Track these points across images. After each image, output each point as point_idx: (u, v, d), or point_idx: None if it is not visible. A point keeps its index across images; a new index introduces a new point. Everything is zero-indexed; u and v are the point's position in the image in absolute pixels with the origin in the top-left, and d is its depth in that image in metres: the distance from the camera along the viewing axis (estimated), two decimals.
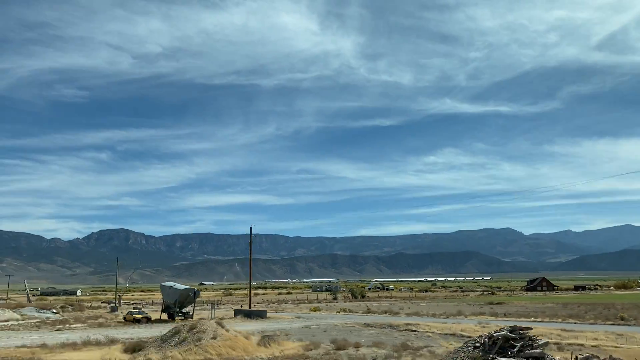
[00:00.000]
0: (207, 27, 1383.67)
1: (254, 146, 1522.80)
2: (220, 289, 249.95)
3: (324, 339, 32.93)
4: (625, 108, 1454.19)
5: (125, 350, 28.19)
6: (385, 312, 57.84)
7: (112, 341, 33.68)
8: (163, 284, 58.81)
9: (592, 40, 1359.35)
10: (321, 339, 33.08)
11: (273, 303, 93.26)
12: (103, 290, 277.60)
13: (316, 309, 65.17)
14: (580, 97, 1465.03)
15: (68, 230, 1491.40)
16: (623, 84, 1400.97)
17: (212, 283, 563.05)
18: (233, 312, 56.42)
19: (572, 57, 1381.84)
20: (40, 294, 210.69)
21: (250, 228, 57.83)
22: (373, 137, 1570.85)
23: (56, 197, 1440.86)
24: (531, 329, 20.75)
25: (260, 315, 50.67)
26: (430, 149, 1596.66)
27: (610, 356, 21.66)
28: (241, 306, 72.26)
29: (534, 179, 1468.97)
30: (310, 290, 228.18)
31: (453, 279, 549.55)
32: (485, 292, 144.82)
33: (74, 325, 49.73)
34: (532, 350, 19.00)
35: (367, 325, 41.84)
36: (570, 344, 28.67)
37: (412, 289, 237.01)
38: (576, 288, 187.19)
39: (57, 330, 46.29)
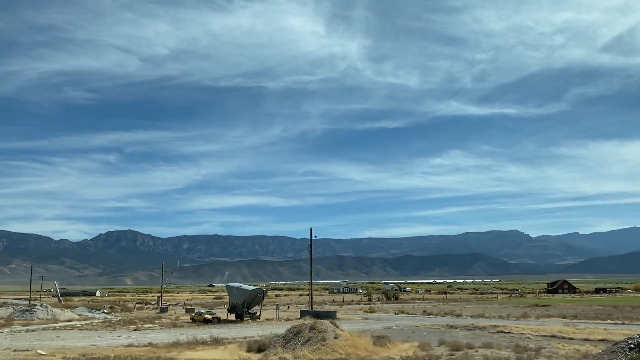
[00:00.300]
0: (214, 30, 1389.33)
1: (260, 148, 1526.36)
2: None
3: (428, 340, 33.44)
4: (633, 110, 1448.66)
5: (249, 350, 28.83)
6: (447, 314, 58.30)
7: (216, 341, 34.32)
8: (229, 284, 59.59)
9: (598, 42, 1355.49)
10: (423, 340, 33.59)
11: (303, 305, 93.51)
12: (120, 291, 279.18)
13: (371, 310, 65.63)
14: (587, 99, 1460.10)
15: (76, 232, 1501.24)
16: (630, 86, 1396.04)
17: (221, 284, 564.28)
18: (299, 312, 56.83)
19: (578, 59, 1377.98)
20: (60, 295, 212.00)
21: (311, 230, 58.58)
22: (379, 139, 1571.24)
23: (64, 199, 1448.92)
24: None
25: (330, 316, 50.98)
26: (437, 151, 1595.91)
27: None
28: (287, 307, 72.87)
29: (540, 181, 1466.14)
30: (327, 292, 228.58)
31: (462, 280, 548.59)
32: (512, 295, 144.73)
33: (146, 326, 50.33)
34: None
35: (450, 327, 42.30)
36: None
37: (429, 290, 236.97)
38: (597, 291, 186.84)
39: (134, 330, 46.95)
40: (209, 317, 51.73)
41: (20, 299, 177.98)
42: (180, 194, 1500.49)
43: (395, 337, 35.77)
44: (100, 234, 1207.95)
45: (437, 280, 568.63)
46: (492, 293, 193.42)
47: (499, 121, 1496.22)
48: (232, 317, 54.25)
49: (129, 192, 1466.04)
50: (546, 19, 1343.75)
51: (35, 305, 63.80)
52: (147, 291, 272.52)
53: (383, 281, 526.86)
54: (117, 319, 61.67)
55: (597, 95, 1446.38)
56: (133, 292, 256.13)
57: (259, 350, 28.31)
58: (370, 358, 26.92)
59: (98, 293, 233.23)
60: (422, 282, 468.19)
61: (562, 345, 29.60)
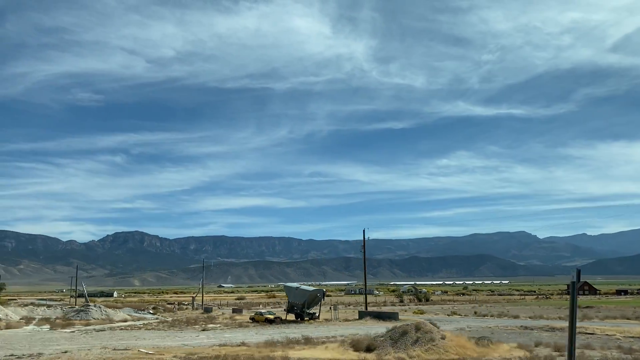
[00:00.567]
0: (220, 31, 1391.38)
1: (266, 149, 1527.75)
2: (263, 292, 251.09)
3: (520, 341, 33.45)
4: None
5: (356, 349, 28.96)
6: (500, 315, 58.26)
7: (308, 340, 34.43)
8: (287, 285, 59.83)
9: (607, 42, 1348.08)
10: (516, 341, 33.60)
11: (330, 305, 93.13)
12: (135, 292, 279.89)
13: (421, 312, 65.60)
14: (595, 100, 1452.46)
15: (83, 233, 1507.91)
16: (639, 86, 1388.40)
17: (231, 285, 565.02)
18: (357, 313, 56.86)
19: (586, 59, 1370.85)
20: (78, 296, 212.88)
21: (364, 231, 58.61)
22: (385, 140, 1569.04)
23: (72, 200, 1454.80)
24: None
25: (392, 317, 51.10)
26: (443, 152, 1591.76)
27: None
28: (330, 308, 72.52)
29: (548, 182, 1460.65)
30: (343, 293, 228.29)
31: (471, 282, 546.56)
32: (538, 296, 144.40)
33: (210, 326, 50.50)
34: None
35: (525, 327, 42.29)
36: None
37: (446, 292, 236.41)
38: (618, 292, 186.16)
39: (203, 330, 47.09)
40: (271, 317, 51.90)
41: (43, 299, 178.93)
42: (186, 195, 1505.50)
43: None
44: (108, 235, 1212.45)
45: (447, 282, 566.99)
46: (510, 294, 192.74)
47: (506, 122, 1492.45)
48: (290, 317, 54.41)
49: (136, 193, 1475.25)
50: (553, 19, 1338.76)
51: (89, 305, 64.18)
52: (163, 292, 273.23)
53: (392, 282, 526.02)
54: (171, 319, 61.68)
55: (605, 95, 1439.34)
56: (149, 293, 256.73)
57: (368, 349, 28.43)
58: (483, 359, 27.00)
59: (115, 294, 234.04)
60: (432, 284, 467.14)
61: None
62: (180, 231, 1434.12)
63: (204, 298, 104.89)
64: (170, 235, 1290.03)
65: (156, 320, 60.58)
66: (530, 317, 54.35)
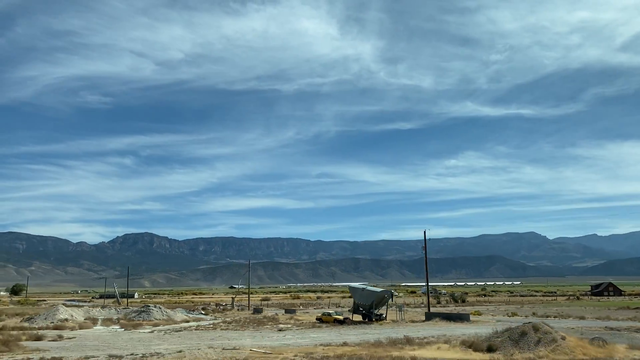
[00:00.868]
0: (228, 33, 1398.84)
1: (274, 150, 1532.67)
2: (286, 292, 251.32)
3: (624, 343, 33.41)
4: None
5: (475, 349, 29.03)
6: (565, 316, 58.01)
7: (409, 341, 34.51)
8: (352, 285, 59.97)
9: (616, 41, 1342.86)
10: (622, 342, 33.56)
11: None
12: (155, 293, 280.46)
13: (477, 313, 65.45)
14: (605, 99, 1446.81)
15: (92, 234, 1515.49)
16: None
17: (242, 286, 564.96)
18: (424, 314, 56.80)
19: (595, 59, 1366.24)
20: (99, 297, 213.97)
21: (424, 232, 58.68)
22: (393, 141, 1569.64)
23: (81, 202, 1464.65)
24: None
25: (463, 318, 50.99)
26: (452, 152, 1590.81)
27: None
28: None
29: (557, 183, 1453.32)
30: None
31: (483, 283, 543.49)
32: (570, 297, 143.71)
33: (282, 326, 50.61)
34: None
35: (611, 329, 42.19)
36: None
37: (466, 293, 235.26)
38: None
39: (279, 330, 47.21)
40: (341, 317, 52.01)
41: (72, 300, 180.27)
42: (195, 197, 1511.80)
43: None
44: (118, 236, 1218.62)
45: (458, 283, 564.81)
46: (531, 295, 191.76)
47: (515, 122, 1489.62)
48: (357, 317, 54.51)
49: (145, 195, 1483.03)
50: (562, 18, 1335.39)
51: (149, 306, 64.59)
52: (181, 293, 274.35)
53: (403, 284, 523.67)
54: (230, 320, 61.58)
55: (615, 95, 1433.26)
56: (168, 294, 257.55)
57: (490, 349, 28.52)
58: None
59: (136, 295, 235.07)
60: (444, 285, 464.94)
61: None
62: (189, 232, 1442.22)
63: (237, 299, 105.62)
64: (179, 237, 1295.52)
65: (217, 321, 60.81)
66: (597, 318, 54.17)
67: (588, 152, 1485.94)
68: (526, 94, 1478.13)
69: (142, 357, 29.05)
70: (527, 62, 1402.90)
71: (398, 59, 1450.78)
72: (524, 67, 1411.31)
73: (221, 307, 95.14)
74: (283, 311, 76.62)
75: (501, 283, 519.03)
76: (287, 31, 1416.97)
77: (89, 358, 28.61)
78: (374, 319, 52.39)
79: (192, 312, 73.06)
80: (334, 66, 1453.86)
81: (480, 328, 45.81)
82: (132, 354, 30.04)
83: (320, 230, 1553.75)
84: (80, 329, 50.95)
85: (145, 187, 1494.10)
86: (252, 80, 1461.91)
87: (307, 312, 74.27)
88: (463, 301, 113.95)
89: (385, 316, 54.33)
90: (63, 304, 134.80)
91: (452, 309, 77.92)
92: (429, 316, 53.84)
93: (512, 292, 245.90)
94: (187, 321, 60.01)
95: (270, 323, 53.90)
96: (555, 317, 57.27)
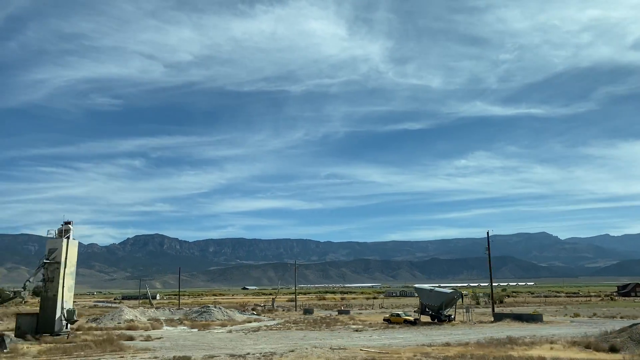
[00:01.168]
0: (237, 35, 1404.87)
1: (283, 151, 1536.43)
2: (312, 293, 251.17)
3: None
4: None
5: (596, 349, 28.93)
6: (629, 317, 57.56)
7: (512, 341, 34.39)
8: (419, 286, 60.04)
9: (627, 40, 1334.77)
10: None
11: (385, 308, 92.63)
12: (175, 294, 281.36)
13: (536, 312, 64.98)
14: (616, 98, 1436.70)
15: (103, 236, 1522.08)
16: None
17: (255, 287, 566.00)
18: (493, 315, 56.57)
19: (606, 57, 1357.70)
20: (122, 299, 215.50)
21: (487, 232, 58.54)
22: (402, 141, 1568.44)
23: (92, 204, 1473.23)
24: None
25: (535, 318, 50.78)
26: (461, 152, 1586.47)
27: None
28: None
29: (568, 182, 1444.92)
30: (383, 296, 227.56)
31: (497, 284, 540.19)
32: (604, 297, 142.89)
33: (354, 327, 50.64)
34: None
35: None
36: None
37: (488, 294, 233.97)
38: None
39: (355, 331, 47.23)
40: (411, 318, 52.06)
41: (102, 301, 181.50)
42: (205, 198, 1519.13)
43: None
44: (128, 238, 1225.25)
45: (471, 284, 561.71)
46: (555, 296, 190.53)
47: (525, 121, 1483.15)
48: (425, 318, 54.48)
49: (155, 197, 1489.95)
50: (572, 17, 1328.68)
51: (209, 306, 64.95)
52: (202, 294, 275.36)
53: (416, 285, 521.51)
54: (294, 320, 61.41)
55: (627, 93, 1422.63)
56: (189, 295, 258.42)
57: (612, 349, 28.38)
58: None
59: (158, 296, 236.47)
60: (459, 286, 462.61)
61: None
62: (199, 234, 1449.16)
63: (270, 299, 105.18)
64: (189, 238, 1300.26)
65: (279, 321, 60.99)
66: None
67: (599, 152, 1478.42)
68: (536, 93, 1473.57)
69: (262, 356, 29.16)
70: (537, 61, 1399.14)
71: (407, 59, 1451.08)
72: (534, 66, 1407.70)
73: (263, 308, 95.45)
74: (336, 312, 76.42)
75: (514, 284, 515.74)
76: (295, 32, 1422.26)
77: (213, 357, 28.76)
78: (444, 320, 52.35)
79: (244, 313, 73.32)
80: (342, 67, 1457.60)
81: (560, 329, 45.63)
82: (248, 353, 30.19)
83: (329, 231, 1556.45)
84: (153, 329, 51.29)
85: (156, 188, 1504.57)
86: (261, 82, 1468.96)
87: (361, 313, 74.22)
88: (501, 302, 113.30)
89: (454, 317, 54.23)
90: (95, 305, 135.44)
91: (511, 309, 77.43)
92: (499, 317, 53.60)
93: (532, 293, 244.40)
94: (249, 321, 60.24)
95: (338, 324, 54.00)
96: (622, 317, 56.88)
